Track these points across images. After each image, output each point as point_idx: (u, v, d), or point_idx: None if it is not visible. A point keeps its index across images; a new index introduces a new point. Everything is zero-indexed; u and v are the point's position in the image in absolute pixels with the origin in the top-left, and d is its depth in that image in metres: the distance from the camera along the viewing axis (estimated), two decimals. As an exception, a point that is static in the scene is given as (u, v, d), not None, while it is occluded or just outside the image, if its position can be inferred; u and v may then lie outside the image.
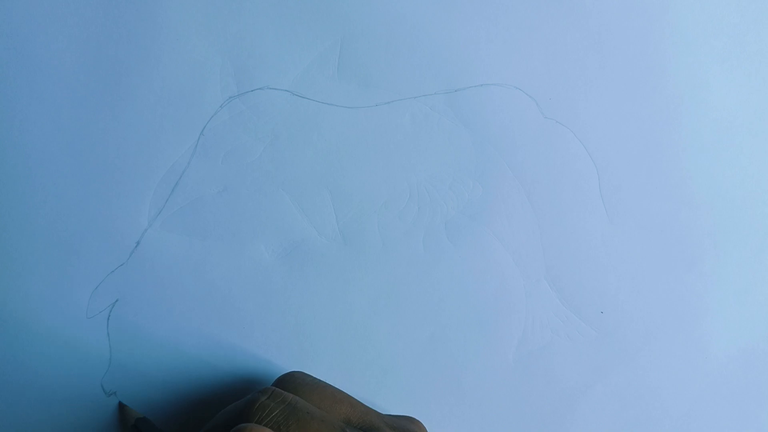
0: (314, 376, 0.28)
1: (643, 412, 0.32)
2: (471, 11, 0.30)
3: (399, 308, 0.30)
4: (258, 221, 0.29)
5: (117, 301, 0.29)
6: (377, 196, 0.30)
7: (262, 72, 0.29)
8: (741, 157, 0.31)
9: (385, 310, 0.28)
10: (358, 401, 0.27)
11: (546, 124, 0.30)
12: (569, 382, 0.31)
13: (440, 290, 0.30)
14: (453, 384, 0.31)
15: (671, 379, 0.32)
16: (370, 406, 0.27)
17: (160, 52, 0.28)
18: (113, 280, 0.29)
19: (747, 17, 0.31)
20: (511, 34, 0.30)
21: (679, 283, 0.31)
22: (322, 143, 0.29)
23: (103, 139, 0.28)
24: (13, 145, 0.28)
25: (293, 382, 0.27)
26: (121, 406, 0.29)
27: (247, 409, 0.25)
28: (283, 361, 0.30)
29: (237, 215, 0.29)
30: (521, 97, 0.30)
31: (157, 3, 0.28)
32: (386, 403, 0.30)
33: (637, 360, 0.31)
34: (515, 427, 0.31)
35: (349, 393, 0.27)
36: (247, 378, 0.30)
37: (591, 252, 0.31)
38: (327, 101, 0.29)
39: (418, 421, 0.28)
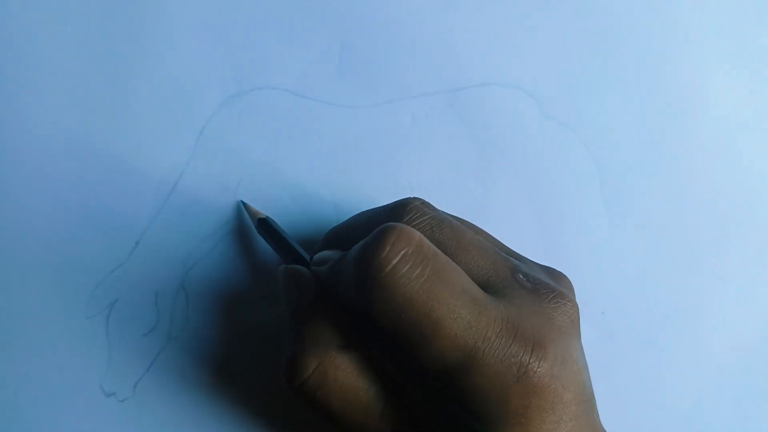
0: None
1: (645, 413, 0.32)
2: (471, 11, 0.30)
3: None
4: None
5: (117, 301, 0.29)
6: (377, 196, 0.30)
7: (262, 72, 0.29)
8: (742, 156, 0.31)
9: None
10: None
11: (547, 124, 0.30)
12: (569, 383, 0.31)
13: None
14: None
15: (672, 380, 0.31)
16: None
17: (159, 52, 0.28)
18: (113, 280, 0.29)
19: (748, 17, 0.31)
20: (511, 34, 0.30)
21: (680, 283, 0.31)
22: (322, 143, 0.29)
23: (103, 139, 0.28)
24: (13, 145, 0.28)
25: None
26: (244, 205, 0.28)
27: (399, 207, 0.23)
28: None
29: (236, 215, 0.29)
30: (522, 96, 0.30)
31: (157, 3, 0.28)
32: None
33: (638, 360, 0.31)
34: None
35: None
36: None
37: (591, 252, 0.31)
38: (327, 101, 0.29)
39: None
